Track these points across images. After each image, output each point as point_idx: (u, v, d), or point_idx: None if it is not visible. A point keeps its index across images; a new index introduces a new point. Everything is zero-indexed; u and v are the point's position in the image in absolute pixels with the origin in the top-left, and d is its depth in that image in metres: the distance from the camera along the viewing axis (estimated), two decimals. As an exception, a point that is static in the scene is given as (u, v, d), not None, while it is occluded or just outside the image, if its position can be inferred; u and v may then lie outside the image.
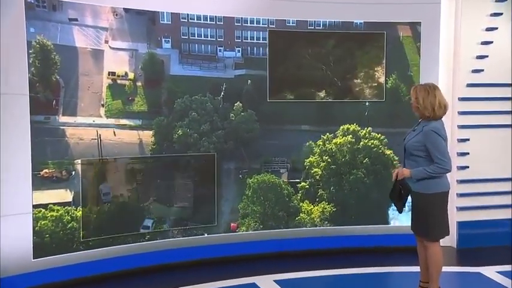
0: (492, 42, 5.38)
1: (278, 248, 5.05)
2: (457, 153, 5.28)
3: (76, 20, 4.23)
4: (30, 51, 4.02)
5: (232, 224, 4.99)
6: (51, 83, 4.17)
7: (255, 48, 4.92)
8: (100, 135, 4.40)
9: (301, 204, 5.12)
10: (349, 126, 5.16)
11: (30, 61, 4.02)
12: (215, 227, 4.92)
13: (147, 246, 4.65)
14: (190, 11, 4.73)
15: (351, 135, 5.15)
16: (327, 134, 5.14)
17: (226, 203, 4.94)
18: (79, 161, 4.31)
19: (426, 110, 3.66)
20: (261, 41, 4.92)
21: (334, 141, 5.15)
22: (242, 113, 4.89)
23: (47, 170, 4.15)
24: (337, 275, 4.63)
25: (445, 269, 4.75)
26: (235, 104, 4.88)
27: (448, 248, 5.39)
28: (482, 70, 5.38)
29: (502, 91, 5.43)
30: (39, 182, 4.12)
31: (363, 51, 5.15)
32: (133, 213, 4.62)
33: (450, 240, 5.41)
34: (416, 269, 4.04)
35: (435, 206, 3.71)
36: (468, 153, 5.33)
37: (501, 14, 5.35)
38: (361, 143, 5.14)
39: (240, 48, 4.89)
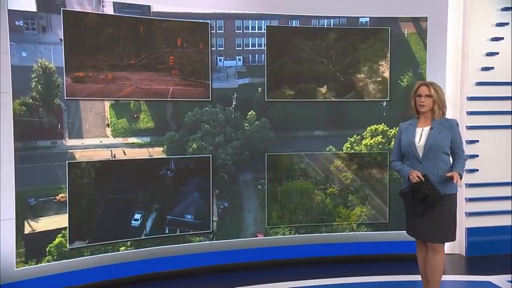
0: (503, 38, 5.22)
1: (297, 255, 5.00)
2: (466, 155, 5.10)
3: None
4: (33, 76, 4.00)
5: (258, 235, 4.93)
6: (54, 107, 4.13)
7: (256, 56, 4.82)
8: (115, 155, 4.40)
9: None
10: (377, 127, 5.06)
11: (33, 85, 4.01)
12: (210, 234, 4.80)
13: (142, 253, 4.54)
14: (185, 9, 4.59)
15: (380, 136, 5.03)
16: (354, 135, 5.04)
17: (248, 214, 4.88)
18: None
19: (444, 107, 3.66)
20: (262, 47, 4.82)
21: (364, 142, 5.03)
22: (256, 122, 4.82)
23: (62, 195, 4.17)
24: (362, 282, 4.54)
25: (453, 277, 4.71)
26: (249, 113, 4.82)
27: (456, 255, 5.29)
28: (492, 68, 5.24)
29: (514, 90, 5.29)
30: (57, 207, 4.15)
31: (370, 50, 5.01)
32: (124, 219, 4.50)
33: (459, 247, 5.31)
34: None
35: (456, 205, 3.69)
36: (477, 156, 5.15)
37: (512, 8, 5.20)
38: (392, 143, 4.99)
39: (241, 57, 4.79)
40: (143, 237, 4.53)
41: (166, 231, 4.61)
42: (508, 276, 4.58)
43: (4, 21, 3.87)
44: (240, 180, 4.85)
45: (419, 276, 3.86)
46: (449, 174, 3.51)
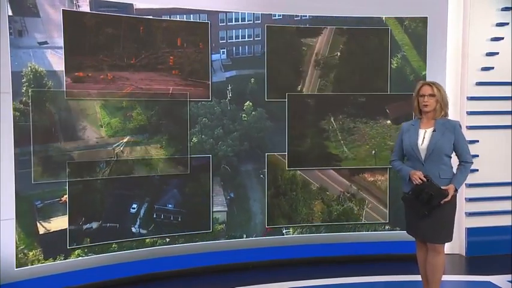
0: (503, 38, 5.22)
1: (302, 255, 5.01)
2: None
3: (46, 43, 4.06)
4: (23, 80, 3.96)
5: (267, 227, 4.95)
6: (46, 110, 4.11)
7: (240, 48, 4.81)
8: (117, 153, 4.41)
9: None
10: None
11: (23, 90, 3.96)
12: (210, 234, 4.79)
13: (142, 253, 4.54)
14: (171, 5, 4.56)
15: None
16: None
17: (255, 203, 4.91)
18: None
19: (446, 107, 3.64)
20: (246, 39, 4.82)
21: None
22: (253, 113, 4.84)
23: (67, 196, 4.19)
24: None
25: (453, 277, 4.71)
26: (246, 104, 4.83)
27: (456, 255, 5.29)
28: (492, 68, 5.23)
29: (514, 90, 5.27)
30: (63, 208, 4.17)
31: (370, 48, 5.03)
32: (123, 218, 4.50)
33: (459, 247, 5.31)
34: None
35: (456, 206, 3.66)
36: (478, 156, 5.12)
37: (512, 8, 5.20)
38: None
39: (225, 50, 4.77)
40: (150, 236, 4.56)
41: (154, 216, 4.60)
42: (508, 276, 4.57)
43: (4, 21, 3.86)
44: (242, 171, 4.87)
45: (419, 276, 3.86)
46: (445, 188, 3.51)
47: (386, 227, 5.10)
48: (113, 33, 4.33)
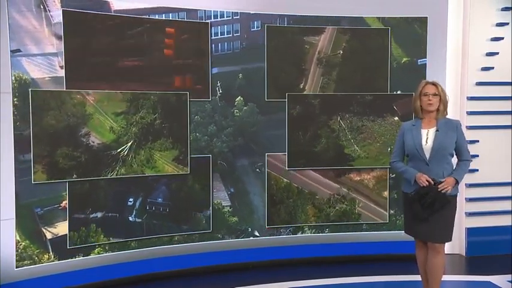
0: (503, 38, 5.22)
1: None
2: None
3: (19, 50, 3.97)
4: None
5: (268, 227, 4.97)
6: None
7: (219, 45, 4.77)
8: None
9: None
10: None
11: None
12: (209, 234, 4.79)
13: (142, 253, 4.54)
14: (149, 4, 4.51)
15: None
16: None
17: (255, 197, 4.92)
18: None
19: (447, 106, 3.66)
20: (225, 36, 4.78)
21: None
22: (245, 108, 4.85)
23: (66, 202, 4.19)
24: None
25: (453, 277, 4.71)
26: (237, 99, 4.83)
27: (456, 255, 5.29)
28: (492, 68, 5.22)
29: (514, 90, 5.27)
30: (63, 214, 4.18)
31: (370, 48, 5.03)
32: (124, 211, 4.52)
33: (459, 247, 5.31)
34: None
35: (456, 206, 3.68)
36: (478, 156, 5.12)
37: (512, 8, 5.19)
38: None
39: None
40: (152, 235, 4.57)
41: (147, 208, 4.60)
42: (508, 276, 4.57)
43: (4, 21, 3.86)
44: (238, 166, 4.86)
45: (419, 276, 3.86)
46: (443, 180, 3.52)
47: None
48: (111, 33, 4.32)
